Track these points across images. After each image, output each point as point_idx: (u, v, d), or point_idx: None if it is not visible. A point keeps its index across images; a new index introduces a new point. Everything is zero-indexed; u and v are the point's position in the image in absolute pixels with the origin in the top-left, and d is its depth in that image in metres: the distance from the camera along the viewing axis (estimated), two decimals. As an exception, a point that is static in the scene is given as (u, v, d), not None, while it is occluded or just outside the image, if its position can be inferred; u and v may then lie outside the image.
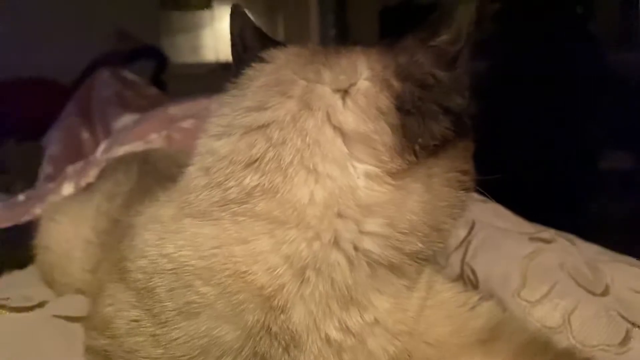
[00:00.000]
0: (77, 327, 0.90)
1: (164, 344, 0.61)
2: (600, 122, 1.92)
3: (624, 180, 1.96)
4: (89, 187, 1.23)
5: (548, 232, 1.11)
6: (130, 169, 1.12)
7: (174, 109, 1.66)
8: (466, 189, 0.66)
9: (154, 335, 0.61)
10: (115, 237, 0.84)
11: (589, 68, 1.89)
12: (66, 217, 1.09)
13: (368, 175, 0.60)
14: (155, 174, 1.05)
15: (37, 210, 1.46)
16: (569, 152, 1.91)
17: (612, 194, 1.98)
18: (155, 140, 1.54)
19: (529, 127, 1.91)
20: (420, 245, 0.62)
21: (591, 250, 1.08)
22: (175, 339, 0.60)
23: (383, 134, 0.61)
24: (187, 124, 1.58)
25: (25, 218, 1.47)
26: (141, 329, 0.63)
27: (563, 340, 0.88)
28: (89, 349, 0.72)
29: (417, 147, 0.61)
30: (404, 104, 0.61)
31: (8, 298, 0.93)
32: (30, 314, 0.91)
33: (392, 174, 0.60)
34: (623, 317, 0.93)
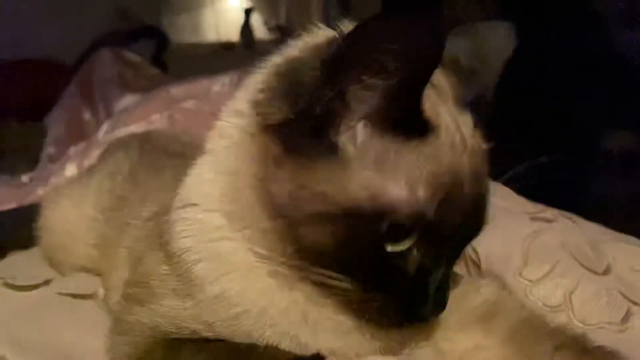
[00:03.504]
0: (82, 304, 0.93)
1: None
2: (603, 101, 1.91)
3: (627, 161, 1.96)
4: (90, 168, 1.24)
5: (550, 212, 1.11)
6: (130, 148, 1.14)
7: (176, 90, 1.65)
8: None
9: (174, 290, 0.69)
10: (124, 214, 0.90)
11: (592, 47, 1.87)
12: (68, 200, 1.10)
13: None
14: (157, 151, 1.07)
15: (41, 192, 1.47)
16: (571, 131, 1.90)
17: (615, 174, 1.98)
18: (157, 121, 1.54)
19: (530, 106, 1.90)
20: None
21: (593, 229, 1.09)
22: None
23: None
24: (188, 104, 1.57)
25: (28, 199, 1.48)
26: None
27: (563, 319, 0.89)
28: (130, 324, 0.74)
29: None
30: None
31: (14, 277, 0.94)
32: (36, 291, 0.92)
33: None
34: (624, 295, 0.93)
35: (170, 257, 0.69)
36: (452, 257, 0.65)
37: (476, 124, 0.66)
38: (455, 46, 0.70)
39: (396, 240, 0.59)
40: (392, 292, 0.61)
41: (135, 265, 0.79)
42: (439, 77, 0.65)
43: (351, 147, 0.59)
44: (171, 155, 1.04)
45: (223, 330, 0.66)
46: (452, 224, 0.61)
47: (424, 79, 0.58)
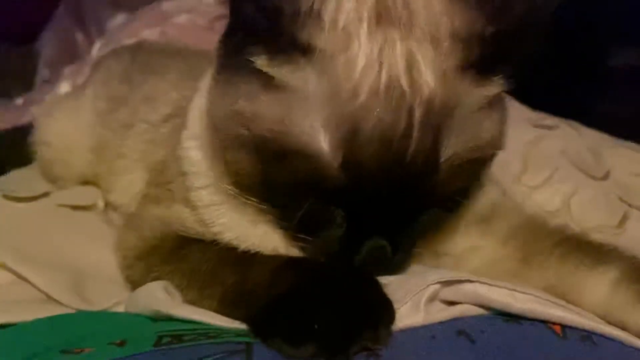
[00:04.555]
0: (82, 215, 0.94)
1: None
2: (610, 16, 1.85)
3: (633, 77, 1.92)
4: (84, 82, 1.22)
5: (552, 119, 1.10)
6: (120, 55, 1.12)
7: (168, 5, 1.59)
8: None
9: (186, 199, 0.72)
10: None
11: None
12: (63, 112, 1.09)
13: None
14: (151, 53, 1.07)
15: (35, 111, 1.45)
16: (577, 47, 1.85)
17: (620, 91, 1.94)
18: (149, 37, 1.50)
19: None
20: None
21: (594, 136, 1.08)
22: None
23: None
24: (181, 19, 1.53)
25: (24, 120, 1.46)
26: None
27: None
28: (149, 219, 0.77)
29: None
30: None
31: (13, 190, 0.94)
32: (35, 203, 0.93)
33: None
34: (622, 199, 0.94)
35: (184, 172, 0.72)
36: (388, 228, 0.58)
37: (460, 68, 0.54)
38: None
39: (305, 187, 0.55)
40: (318, 236, 0.60)
41: (157, 170, 0.82)
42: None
43: (261, 68, 0.55)
44: (170, 55, 1.03)
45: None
46: (363, 188, 0.54)
47: None
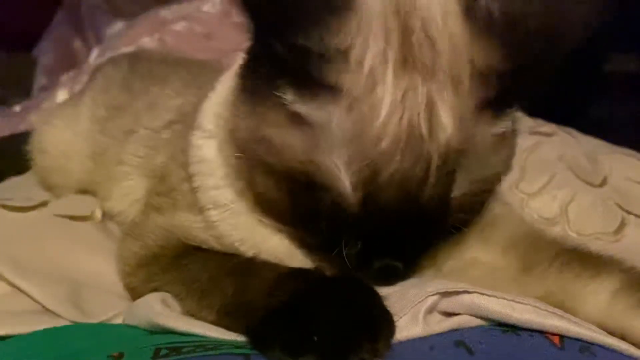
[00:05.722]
0: (79, 226, 0.93)
1: None
2: (606, 23, 1.85)
3: (629, 83, 1.92)
4: (81, 90, 1.21)
5: (549, 126, 1.10)
6: (119, 63, 1.12)
7: (165, 12, 1.60)
8: None
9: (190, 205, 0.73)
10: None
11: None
12: (61, 120, 1.09)
13: None
14: (151, 61, 1.07)
15: (33, 119, 1.45)
16: (573, 53, 1.85)
17: (617, 97, 1.94)
18: (147, 44, 1.50)
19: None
20: None
21: (591, 142, 1.08)
22: None
23: None
24: (179, 26, 1.53)
25: (21, 127, 1.46)
26: None
27: (559, 231, 0.89)
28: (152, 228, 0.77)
29: None
30: None
31: (11, 199, 0.94)
32: (33, 213, 0.92)
33: None
34: (619, 206, 0.93)
35: (189, 177, 0.71)
36: (400, 253, 0.60)
37: (480, 106, 0.54)
38: None
39: (328, 218, 0.57)
40: (332, 257, 0.61)
41: (157, 177, 0.82)
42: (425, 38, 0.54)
43: (292, 104, 0.55)
44: (170, 63, 1.04)
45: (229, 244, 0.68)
46: (380, 224, 0.56)
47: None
